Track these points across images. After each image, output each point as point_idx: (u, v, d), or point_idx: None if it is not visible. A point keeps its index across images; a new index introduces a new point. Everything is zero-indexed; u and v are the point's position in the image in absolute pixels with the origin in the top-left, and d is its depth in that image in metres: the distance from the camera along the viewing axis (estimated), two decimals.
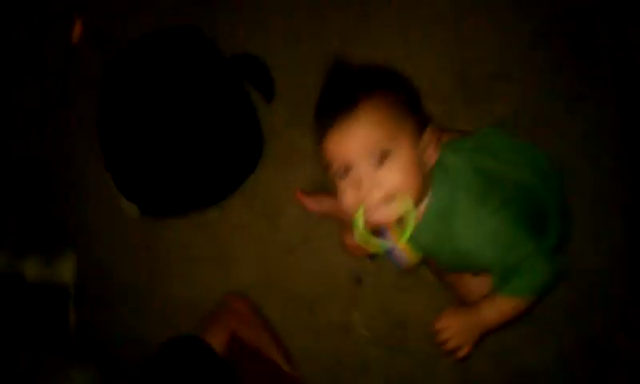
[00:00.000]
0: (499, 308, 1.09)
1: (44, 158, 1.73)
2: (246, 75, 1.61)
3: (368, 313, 1.55)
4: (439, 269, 1.37)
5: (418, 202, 1.03)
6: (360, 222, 1.02)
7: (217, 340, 1.34)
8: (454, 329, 1.10)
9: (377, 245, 1.09)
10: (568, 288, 1.40)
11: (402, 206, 1.00)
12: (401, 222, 1.02)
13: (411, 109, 1.03)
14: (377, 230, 1.08)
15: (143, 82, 1.50)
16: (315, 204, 1.56)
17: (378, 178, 0.99)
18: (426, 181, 1.03)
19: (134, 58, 1.53)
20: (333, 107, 1.02)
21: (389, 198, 1.00)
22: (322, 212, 1.56)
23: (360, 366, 1.54)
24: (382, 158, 0.98)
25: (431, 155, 1.04)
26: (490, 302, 1.10)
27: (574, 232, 1.30)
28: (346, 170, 1.01)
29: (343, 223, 1.45)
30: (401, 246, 1.10)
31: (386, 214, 1.01)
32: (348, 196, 1.01)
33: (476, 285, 1.24)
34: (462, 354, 1.11)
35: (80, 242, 1.69)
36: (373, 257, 1.49)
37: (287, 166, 1.63)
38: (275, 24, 1.68)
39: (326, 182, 1.53)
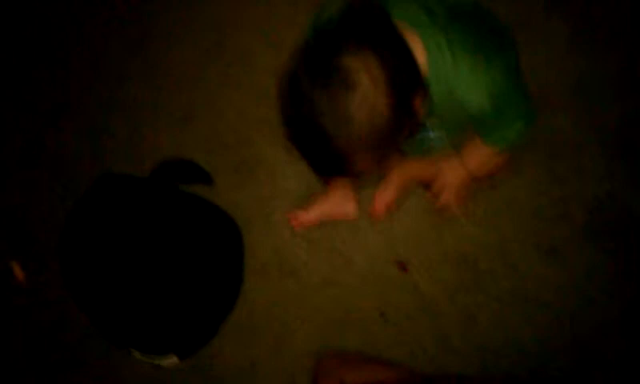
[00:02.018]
0: (480, 156, 1.32)
1: None
2: (179, 179, 1.60)
3: None
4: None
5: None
6: None
7: None
8: (450, 186, 1.39)
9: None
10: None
11: None
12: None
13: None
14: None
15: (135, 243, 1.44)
16: (313, 213, 1.56)
17: None
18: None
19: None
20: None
21: None
22: (323, 216, 1.56)
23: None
24: None
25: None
26: (471, 152, 1.33)
27: None
28: None
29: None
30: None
31: None
32: None
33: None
34: (458, 207, 1.43)
35: None
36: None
37: (266, 218, 1.62)
38: None
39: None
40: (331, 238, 1.58)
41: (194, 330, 1.51)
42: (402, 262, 1.54)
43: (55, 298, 1.57)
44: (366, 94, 0.84)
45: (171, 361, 1.51)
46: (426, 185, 1.51)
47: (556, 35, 1.62)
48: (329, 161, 0.90)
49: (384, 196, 1.52)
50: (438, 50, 1.01)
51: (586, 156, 1.52)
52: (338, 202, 1.54)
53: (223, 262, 1.53)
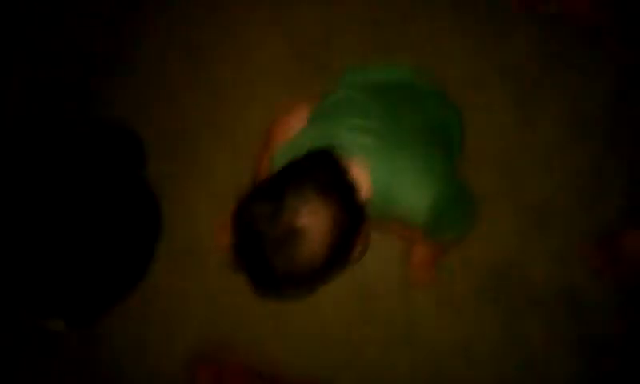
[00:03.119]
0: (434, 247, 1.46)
1: None
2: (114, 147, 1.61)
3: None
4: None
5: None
6: None
7: None
8: (419, 264, 1.50)
9: None
10: None
11: None
12: None
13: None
14: None
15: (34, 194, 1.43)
16: None
17: None
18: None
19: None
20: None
21: None
22: None
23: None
24: None
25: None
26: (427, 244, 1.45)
27: None
28: None
29: None
30: None
31: None
32: None
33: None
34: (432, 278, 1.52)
35: None
36: None
37: (189, 210, 1.66)
38: None
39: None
40: None
41: (89, 296, 1.52)
42: None
43: None
44: (313, 248, 0.94)
45: (58, 326, 1.53)
46: None
47: (503, 103, 1.66)
48: (267, 285, 1.00)
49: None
50: (383, 176, 1.08)
51: (497, 220, 1.57)
52: None
53: (135, 238, 1.55)
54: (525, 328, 1.50)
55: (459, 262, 1.55)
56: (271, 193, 0.97)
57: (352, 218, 1.00)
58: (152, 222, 1.61)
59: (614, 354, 1.47)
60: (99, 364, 1.60)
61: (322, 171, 1.00)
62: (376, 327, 1.54)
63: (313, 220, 0.95)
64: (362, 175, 1.06)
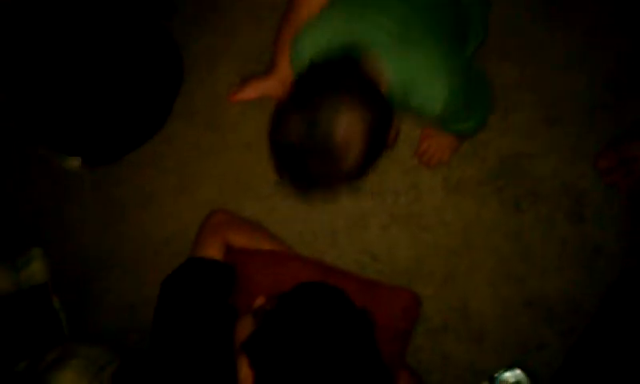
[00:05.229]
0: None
1: None
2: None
3: None
4: None
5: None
6: None
7: (214, 254, 1.37)
8: (433, 149, 1.50)
9: None
10: None
11: None
12: None
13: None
14: None
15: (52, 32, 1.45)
16: (250, 92, 1.59)
17: None
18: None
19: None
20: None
21: None
22: (260, 95, 1.59)
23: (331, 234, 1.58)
24: None
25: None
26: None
27: None
28: None
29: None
30: None
31: None
32: None
33: None
34: (443, 161, 1.52)
35: (42, 234, 1.65)
36: None
37: (210, 69, 1.67)
38: None
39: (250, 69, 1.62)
40: (262, 106, 1.61)
41: (107, 136, 1.57)
42: None
43: None
44: (353, 152, 1.02)
45: (74, 163, 1.58)
46: None
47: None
48: (314, 190, 1.14)
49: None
50: (397, 72, 1.11)
51: (516, 112, 1.56)
52: (278, 86, 1.55)
53: (153, 83, 1.56)
54: (524, 222, 1.52)
55: (471, 148, 1.55)
56: (303, 105, 1.03)
57: (382, 114, 1.06)
58: (173, 71, 1.61)
59: (608, 261, 1.48)
60: (107, 209, 1.66)
61: (349, 78, 1.04)
62: (380, 202, 1.57)
63: (348, 127, 1.00)
64: (380, 71, 1.09)
